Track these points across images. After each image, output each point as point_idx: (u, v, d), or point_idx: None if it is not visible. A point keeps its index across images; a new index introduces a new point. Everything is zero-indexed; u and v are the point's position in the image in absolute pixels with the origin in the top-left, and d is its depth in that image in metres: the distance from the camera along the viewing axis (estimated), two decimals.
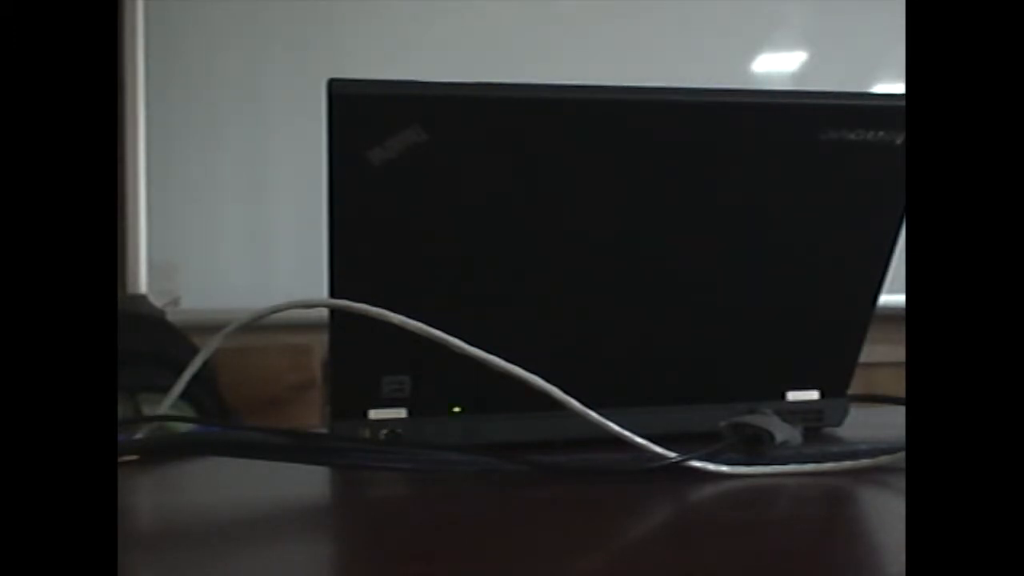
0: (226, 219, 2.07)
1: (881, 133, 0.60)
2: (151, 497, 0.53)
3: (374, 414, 0.62)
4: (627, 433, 0.54)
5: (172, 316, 1.42)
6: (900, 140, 0.60)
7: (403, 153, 0.55)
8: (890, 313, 0.86)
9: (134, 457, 0.55)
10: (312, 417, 1.81)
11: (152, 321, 1.33)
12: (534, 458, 0.53)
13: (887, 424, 0.71)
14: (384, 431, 0.62)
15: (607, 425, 0.54)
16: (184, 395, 0.65)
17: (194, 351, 0.64)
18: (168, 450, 0.56)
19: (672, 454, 0.53)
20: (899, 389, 0.49)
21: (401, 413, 0.62)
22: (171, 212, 2.04)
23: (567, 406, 0.54)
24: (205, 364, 0.63)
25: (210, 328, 0.66)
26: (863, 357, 0.69)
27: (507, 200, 0.59)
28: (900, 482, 0.51)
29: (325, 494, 0.53)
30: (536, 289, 0.61)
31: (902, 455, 0.52)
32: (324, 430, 0.68)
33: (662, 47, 2.20)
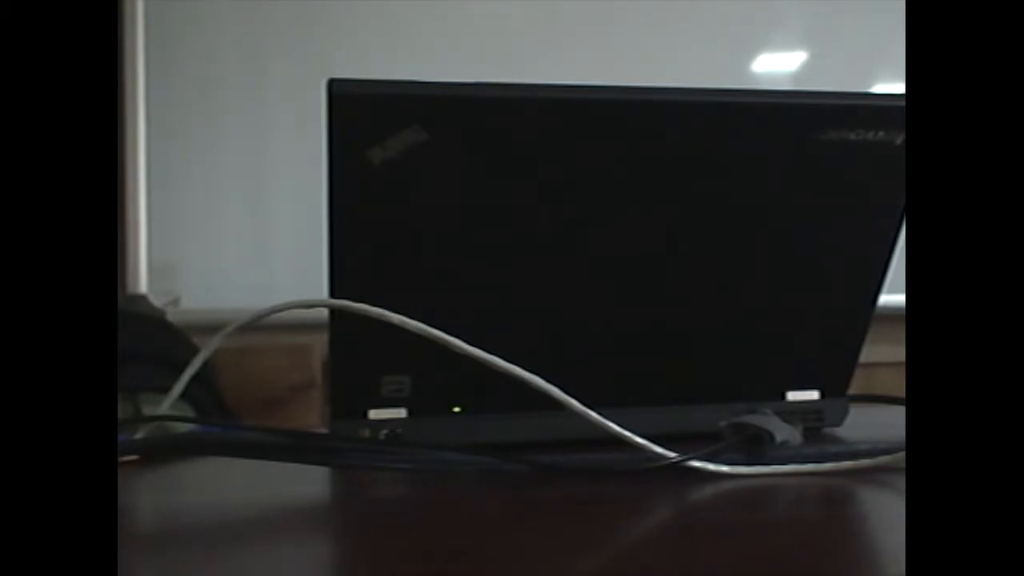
0: (226, 219, 2.07)
1: (881, 133, 0.60)
2: (151, 497, 0.53)
3: (374, 414, 0.62)
4: (627, 433, 0.54)
5: (172, 316, 1.42)
6: (900, 140, 0.60)
7: (403, 153, 0.55)
8: (890, 313, 0.86)
9: (134, 457, 0.55)
10: (312, 417, 1.81)
11: (152, 321, 1.33)
12: (534, 458, 0.53)
13: (887, 424, 0.71)
14: (384, 431, 0.62)
15: (607, 425, 0.54)
16: (184, 395, 0.65)
17: (194, 351, 0.64)
18: (168, 450, 0.56)
19: (672, 454, 0.53)
20: (899, 389, 0.49)
21: (401, 413, 0.62)
22: (171, 212, 2.04)
23: (567, 406, 0.54)
24: (205, 364, 0.63)
25: (210, 328, 0.66)
26: (863, 357, 0.69)
27: (507, 200, 0.59)
28: (900, 482, 0.51)
29: (325, 494, 0.53)
30: (536, 289, 0.61)
31: (902, 455, 0.52)
32: (324, 430, 0.68)
33: (662, 47, 2.20)
